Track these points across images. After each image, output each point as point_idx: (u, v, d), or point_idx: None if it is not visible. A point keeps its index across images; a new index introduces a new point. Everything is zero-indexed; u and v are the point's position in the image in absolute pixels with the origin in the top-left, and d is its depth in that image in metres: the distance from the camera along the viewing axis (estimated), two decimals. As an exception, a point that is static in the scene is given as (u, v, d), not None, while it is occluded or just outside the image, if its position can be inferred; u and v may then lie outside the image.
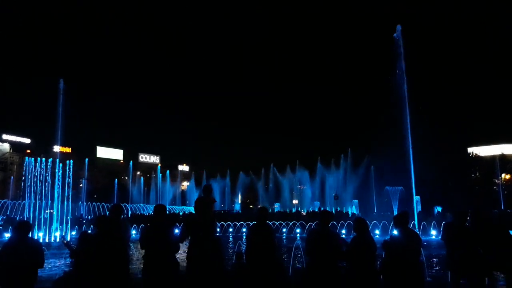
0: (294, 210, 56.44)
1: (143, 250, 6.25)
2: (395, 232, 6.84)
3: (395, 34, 29.17)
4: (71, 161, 29.29)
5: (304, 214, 47.18)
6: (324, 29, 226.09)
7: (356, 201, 57.66)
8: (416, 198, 29.37)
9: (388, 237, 6.93)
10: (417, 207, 30.44)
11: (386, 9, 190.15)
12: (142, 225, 28.94)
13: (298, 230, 32.27)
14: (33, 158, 28.95)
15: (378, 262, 6.59)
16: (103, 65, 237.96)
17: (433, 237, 26.13)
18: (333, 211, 42.77)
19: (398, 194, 43.36)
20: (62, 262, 13.80)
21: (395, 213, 32.30)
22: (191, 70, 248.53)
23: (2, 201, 51.03)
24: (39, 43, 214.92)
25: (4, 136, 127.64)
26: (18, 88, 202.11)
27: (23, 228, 6.17)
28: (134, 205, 70.47)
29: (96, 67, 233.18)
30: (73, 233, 28.12)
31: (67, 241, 7.08)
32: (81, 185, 74.92)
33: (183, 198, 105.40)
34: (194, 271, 6.31)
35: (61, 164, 27.96)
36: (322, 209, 41.31)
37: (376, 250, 6.37)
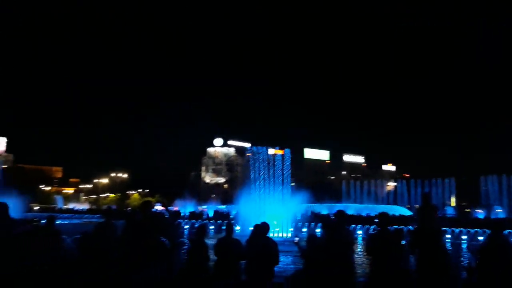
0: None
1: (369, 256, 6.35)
2: None
3: None
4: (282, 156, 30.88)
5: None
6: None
7: None
8: None
9: None
10: None
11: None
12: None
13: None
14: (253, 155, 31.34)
15: None
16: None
17: None
18: None
19: None
20: (290, 259, 14.71)
21: None
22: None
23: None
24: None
25: (230, 142, 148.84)
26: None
27: (263, 228, 7.15)
28: (345, 205, 71.68)
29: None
30: (304, 229, 30.53)
31: (297, 241, 7.72)
32: (292, 184, 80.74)
33: (392, 198, 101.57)
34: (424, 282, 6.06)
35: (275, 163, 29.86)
36: None
37: None
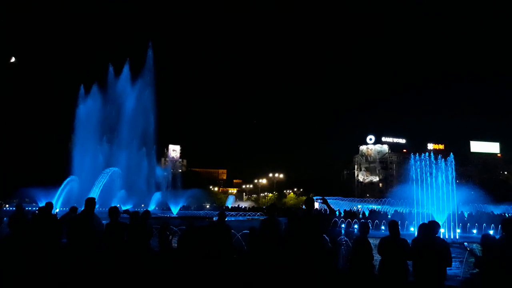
0: None
1: None
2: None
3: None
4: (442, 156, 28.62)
5: None
6: None
7: None
8: None
9: None
10: None
11: None
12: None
13: None
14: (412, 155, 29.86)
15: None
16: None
17: None
18: None
19: None
20: (457, 264, 13.11)
21: None
22: None
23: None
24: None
25: (383, 139, 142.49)
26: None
27: (431, 228, 6.76)
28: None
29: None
30: (474, 231, 27.69)
31: (470, 249, 7.07)
32: (457, 181, 73.23)
33: None
34: None
35: (433, 161, 27.74)
36: None
37: None
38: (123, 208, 32.54)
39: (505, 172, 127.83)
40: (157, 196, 61.96)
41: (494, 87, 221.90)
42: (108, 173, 50.97)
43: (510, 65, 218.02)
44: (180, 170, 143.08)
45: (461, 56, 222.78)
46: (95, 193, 45.68)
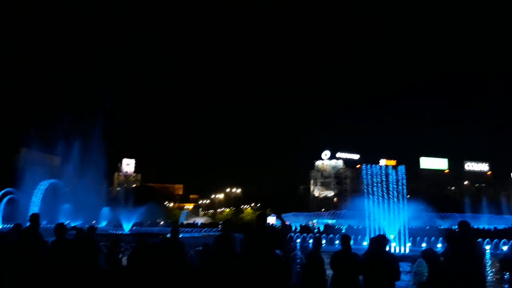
0: None
1: None
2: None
3: None
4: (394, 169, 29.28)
5: None
6: None
7: None
8: None
9: None
10: None
11: None
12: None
13: None
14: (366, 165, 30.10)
15: None
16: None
17: None
18: None
19: None
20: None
21: None
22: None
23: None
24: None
25: (338, 154, 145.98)
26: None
27: (380, 242, 6.88)
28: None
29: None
30: (423, 244, 28.69)
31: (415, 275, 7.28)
32: (408, 196, 76.00)
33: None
34: None
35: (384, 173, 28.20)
36: None
37: None
38: (72, 224, 31.06)
39: (453, 187, 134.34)
40: (105, 212, 59.84)
41: (445, 105, 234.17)
42: (45, 185, 48.41)
43: (463, 84, 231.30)
44: (134, 185, 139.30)
45: (415, 74, 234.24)
46: (35, 207, 43.30)
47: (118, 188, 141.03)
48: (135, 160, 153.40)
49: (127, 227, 54.39)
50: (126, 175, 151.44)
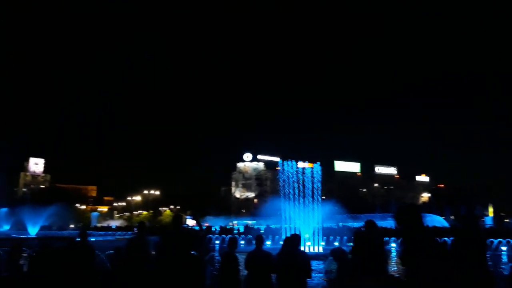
0: None
1: None
2: None
3: None
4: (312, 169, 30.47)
5: None
6: None
7: None
8: None
9: None
10: None
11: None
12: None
13: None
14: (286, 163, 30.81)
15: None
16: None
17: None
18: None
19: None
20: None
21: None
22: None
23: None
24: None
25: (259, 156, 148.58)
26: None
27: (293, 241, 7.07)
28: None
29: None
30: (336, 243, 30.06)
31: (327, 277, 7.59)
32: (323, 197, 79.85)
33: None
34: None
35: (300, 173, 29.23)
36: None
37: None
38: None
39: (364, 190, 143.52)
40: (2, 213, 54.85)
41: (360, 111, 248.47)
42: None
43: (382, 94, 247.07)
44: (42, 186, 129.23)
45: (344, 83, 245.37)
46: None
47: (24, 189, 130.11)
48: (44, 160, 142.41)
49: (33, 230, 50.34)
50: (34, 175, 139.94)
